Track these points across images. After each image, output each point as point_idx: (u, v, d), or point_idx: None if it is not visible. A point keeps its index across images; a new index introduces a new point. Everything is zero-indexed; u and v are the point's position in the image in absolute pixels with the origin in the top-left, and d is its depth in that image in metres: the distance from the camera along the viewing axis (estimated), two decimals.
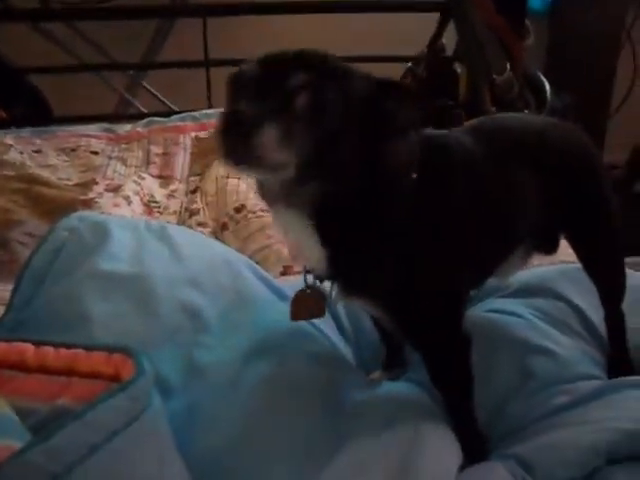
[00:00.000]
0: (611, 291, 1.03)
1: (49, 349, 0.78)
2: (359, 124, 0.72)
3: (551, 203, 0.92)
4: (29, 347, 0.78)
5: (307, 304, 0.89)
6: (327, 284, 0.85)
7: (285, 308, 1.00)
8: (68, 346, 0.78)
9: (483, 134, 0.89)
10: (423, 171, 0.77)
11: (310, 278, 0.86)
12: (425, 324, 0.82)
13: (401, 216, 0.77)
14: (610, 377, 1.00)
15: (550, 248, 1.04)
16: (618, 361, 1.03)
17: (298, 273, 1.25)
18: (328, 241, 0.77)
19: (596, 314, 1.08)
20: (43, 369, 0.77)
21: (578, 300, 1.10)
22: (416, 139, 0.75)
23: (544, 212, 0.92)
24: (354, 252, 0.78)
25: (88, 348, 0.77)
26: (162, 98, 2.84)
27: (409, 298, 0.80)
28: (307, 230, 0.76)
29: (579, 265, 1.18)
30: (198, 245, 1.08)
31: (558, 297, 1.11)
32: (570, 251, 1.10)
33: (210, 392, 0.82)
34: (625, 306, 1.03)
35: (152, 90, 2.84)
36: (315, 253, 0.78)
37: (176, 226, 1.26)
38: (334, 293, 0.84)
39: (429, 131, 0.84)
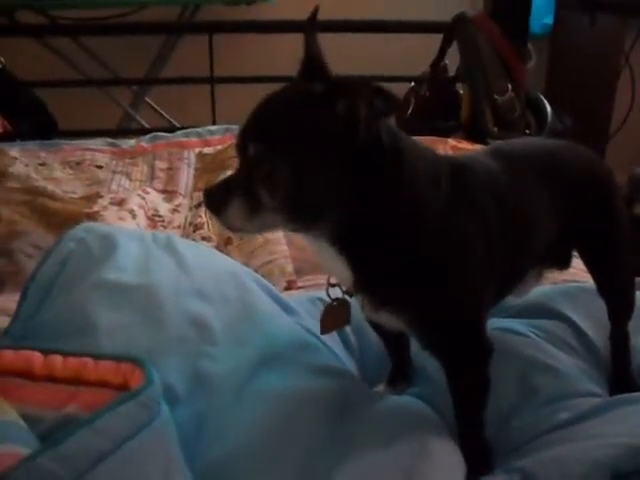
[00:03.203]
0: (620, 308, 1.04)
1: (57, 357, 0.78)
2: (326, 162, 0.72)
3: (564, 220, 0.94)
4: (37, 355, 0.79)
5: (335, 316, 0.92)
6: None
7: (289, 320, 1.02)
8: (76, 355, 0.78)
9: (501, 156, 0.91)
10: (450, 190, 0.79)
11: (335, 291, 0.88)
12: (450, 336, 0.83)
13: (429, 234, 0.78)
14: (612, 395, 1.00)
15: (563, 264, 1.06)
16: (621, 379, 1.03)
17: (302, 288, 1.27)
18: (355, 261, 0.79)
19: (597, 334, 1.09)
20: (51, 377, 0.77)
21: (579, 320, 1.11)
22: (379, 127, 0.73)
23: (558, 229, 0.94)
24: (381, 270, 0.79)
25: (96, 357, 0.77)
26: (165, 114, 2.86)
27: (436, 313, 0.81)
28: (333, 252, 0.78)
29: (581, 285, 1.20)
30: (204, 257, 1.09)
31: (560, 317, 1.12)
32: (572, 270, 1.11)
33: (216, 403, 0.83)
34: (630, 325, 1.04)
35: (155, 106, 2.86)
36: (344, 272, 0.80)
37: (182, 238, 1.27)
38: (363, 307, 0.85)
39: (450, 155, 0.86)
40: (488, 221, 0.83)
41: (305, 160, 0.71)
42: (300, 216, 0.75)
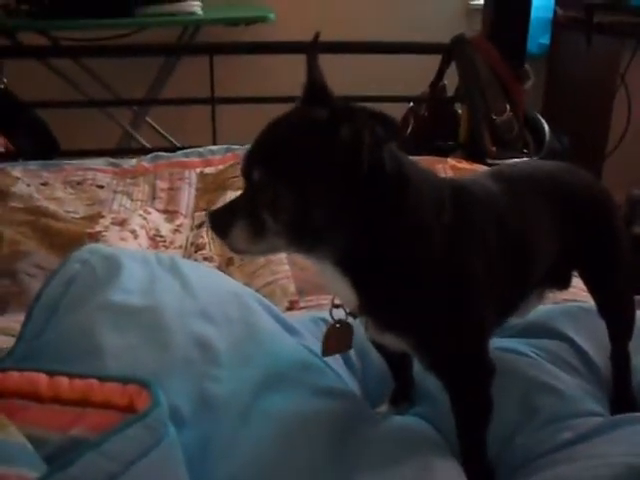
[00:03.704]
0: (620, 328, 1.05)
1: (63, 379, 0.78)
2: (330, 188, 0.73)
3: (565, 242, 0.95)
4: (42, 377, 0.79)
5: (337, 338, 0.92)
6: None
7: (292, 340, 1.02)
8: (82, 376, 0.78)
9: (502, 179, 0.92)
10: (452, 215, 0.80)
11: (338, 312, 0.89)
12: (454, 358, 0.84)
13: (431, 260, 0.79)
14: (613, 414, 1.00)
15: (563, 284, 1.07)
16: (622, 399, 1.04)
17: (304, 308, 1.28)
18: (359, 284, 0.79)
19: (598, 354, 1.09)
20: (57, 399, 0.77)
21: (580, 340, 1.12)
22: (382, 152, 0.74)
23: (559, 250, 0.95)
24: (385, 294, 0.80)
25: (102, 379, 0.77)
26: (165, 134, 2.88)
27: (440, 336, 0.82)
28: (337, 274, 0.79)
29: (581, 304, 1.21)
30: (207, 278, 1.09)
31: (561, 337, 1.12)
32: (571, 289, 1.12)
33: (221, 424, 0.83)
34: (631, 345, 1.05)
35: (155, 126, 2.88)
36: (348, 294, 0.81)
37: (185, 259, 1.27)
38: (367, 329, 0.86)
39: (453, 178, 0.87)
40: (490, 245, 0.84)
41: (309, 186, 0.73)
42: (304, 240, 0.76)
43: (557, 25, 2.99)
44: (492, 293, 0.85)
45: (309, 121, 0.75)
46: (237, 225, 0.75)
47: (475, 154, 2.12)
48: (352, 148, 0.71)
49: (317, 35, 0.83)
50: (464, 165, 1.99)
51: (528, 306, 1.05)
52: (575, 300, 1.26)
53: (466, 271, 0.82)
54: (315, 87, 0.80)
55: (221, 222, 0.77)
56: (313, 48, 0.82)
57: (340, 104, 0.76)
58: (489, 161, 2.06)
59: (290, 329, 1.04)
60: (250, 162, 0.76)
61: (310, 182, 0.73)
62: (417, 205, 0.78)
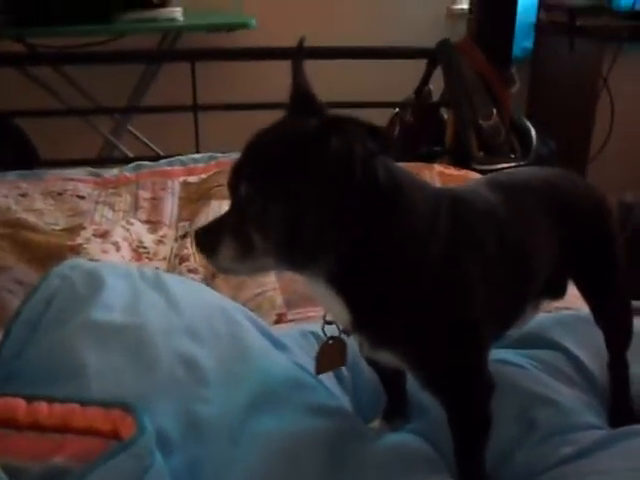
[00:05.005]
0: (618, 336, 1.03)
1: (42, 404, 0.75)
2: (321, 202, 0.70)
3: (562, 249, 0.93)
4: (20, 402, 0.76)
5: (331, 355, 0.90)
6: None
7: (281, 357, 0.99)
8: (62, 401, 0.75)
9: (499, 187, 0.90)
10: (448, 228, 0.77)
11: (330, 329, 0.86)
12: (452, 375, 0.82)
13: (428, 275, 0.76)
14: (612, 426, 0.99)
15: (558, 293, 1.05)
16: (620, 410, 1.02)
17: (292, 321, 1.25)
18: (352, 301, 0.77)
19: (594, 363, 1.08)
20: (36, 426, 0.74)
21: (575, 349, 1.10)
22: (375, 164, 0.72)
23: (557, 259, 0.93)
24: (380, 310, 0.77)
25: (84, 403, 0.74)
26: (148, 142, 2.84)
27: (437, 352, 0.80)
28: (329, 292, 0.76)
29: (576, 312, 1.19)
30: (192, 293, 1.06)
31: (556, 346, 1.11)
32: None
33: (211, 447, 0.80)
34: (629, 353, 1.03)
35: (138, 134, 2.84)
36: (341, 311, 0.78)
37: (169, 274, 1.24)
38: (361, 346, 0.83)
39: (449, 187, 0.85)
40: (489, 257, 0.82)
41: (299, 201, 0.69)
42: (294, 258, 0.73)
43: (540, 29, 3.00)
44: (491, 307, 0.82)
45: (298, 132, 0.72)
46: (223, 243, 0.72)
47: (462, 159, 2.10)
48: (344, 160, 0.68)
49: (302, 40, 0.80)
50: (452, 171, 1.98)
51: (525, 317, 1.03)
52: (568, 308, 1.24)
53: (464, 285, 0.79)
54: (302, 95, 0.78)
55: (207, 241, 0.74)
56: (298, 54, 0.80)
57: (330, 114, 0.73)
58: (476, 166, 2.04)
59: (279, 345, 1.02)
60: (237, 176, 0.73)
61: (300, 196, 0.69)
62: (412, 219, 0.75)
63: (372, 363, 0.93)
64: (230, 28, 2.78)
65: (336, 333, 0.87)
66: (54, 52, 2.58)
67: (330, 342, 0.88)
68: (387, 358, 0.82)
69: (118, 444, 0.65)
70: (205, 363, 0.89)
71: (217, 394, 0.86)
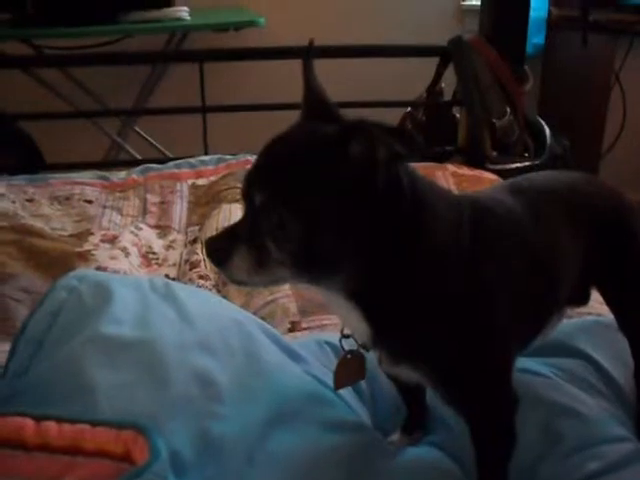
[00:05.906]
0: None
1: (51, 424, 0.73)
2: (340, 212, 0.67)
3: (587, 257, 0.90)
4: (29, 422, 0.73)
5: (349, 370, 0.87)
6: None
7: (298, 370, 0.96)
8: (72, 421, 0.72)
9: (521, 193, 0.87)
10: (471, 237, 0.74)
11: (348, 342, 0.83)
12: (475, 390, 0.79)
13: (451, 286, 0.73)
14: (639, 437, 0.96)
15: (582, 300, 1.01)
16: None
17: (307, 329, 1.22)
18: (372, 315, 0.74)
19: (619, 372, 1.04)
20: (45, 447, 0.71)
21: (598, 356, 1.07)
22: (399, 170, 0.69)
23: (581, 265, 0.90)
24: (400, 325, 0.74)
25: (94, 423, 0.72)
26: (155, 143, 2.81)
27: (461, 367, 0.77)
28: (347, 305, 0.73)
29: (599, 319, 1.16)
30: (204, 304, 1.03)
31: (578, 354, 1.07)
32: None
33: (227, 468, 0.77)
34: None
35: (145, 136, 2.81)
36: (360, 325, 0.75)
37: (180, 284, 1.21)
38: (380, 361, 0.81)
39: (469, 194, 0.82)
40: (514, 268, 0.79)
41: (317, 211, 0.66)
42: (311, 270, 0.70)
43: (552, 24, 2.95)
44: (516, 319, 0.79)
45: (315, 138, 0.69)
46: (236, 254, 0.69)
47: (475, 159, 2.07)
48: (366, 167, 0.65)
49: (312, 41, 0.78)
50: (465, 171, 1.94)
51: (550, 328, 0.99)
52: (590, 313, 1.20)
53: (489, 298, 0.76)
54: (315, 98, 0.75)
55: (219, 250, 0.71)
56: (309, 55, 0.77)
57: (348, 119, 0.70)
58: (489, 166, 2.00)
59: (295, 356, 0.99)
60: (251, 184, 0.70)
61: (318, 205, 0.66)
62: (434, 229, 0.72)
63: (392, 377, 0.90)
64: (238, 27, 2.74)
65: (354, 347, 0.84)
66: (60, 54, 2.55)
67: (348, 356, 0.85)
68: (408, 373, 0.79)
69: (131, 469, 0.62)
70: (219, 378, 0.86)
71: (232, 411, 0.83)
